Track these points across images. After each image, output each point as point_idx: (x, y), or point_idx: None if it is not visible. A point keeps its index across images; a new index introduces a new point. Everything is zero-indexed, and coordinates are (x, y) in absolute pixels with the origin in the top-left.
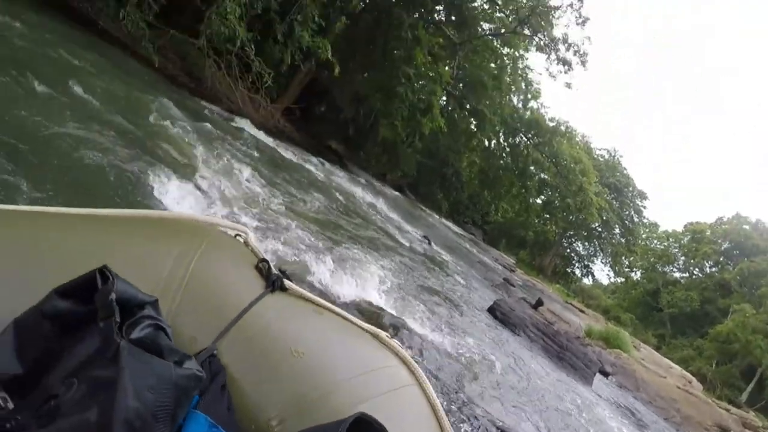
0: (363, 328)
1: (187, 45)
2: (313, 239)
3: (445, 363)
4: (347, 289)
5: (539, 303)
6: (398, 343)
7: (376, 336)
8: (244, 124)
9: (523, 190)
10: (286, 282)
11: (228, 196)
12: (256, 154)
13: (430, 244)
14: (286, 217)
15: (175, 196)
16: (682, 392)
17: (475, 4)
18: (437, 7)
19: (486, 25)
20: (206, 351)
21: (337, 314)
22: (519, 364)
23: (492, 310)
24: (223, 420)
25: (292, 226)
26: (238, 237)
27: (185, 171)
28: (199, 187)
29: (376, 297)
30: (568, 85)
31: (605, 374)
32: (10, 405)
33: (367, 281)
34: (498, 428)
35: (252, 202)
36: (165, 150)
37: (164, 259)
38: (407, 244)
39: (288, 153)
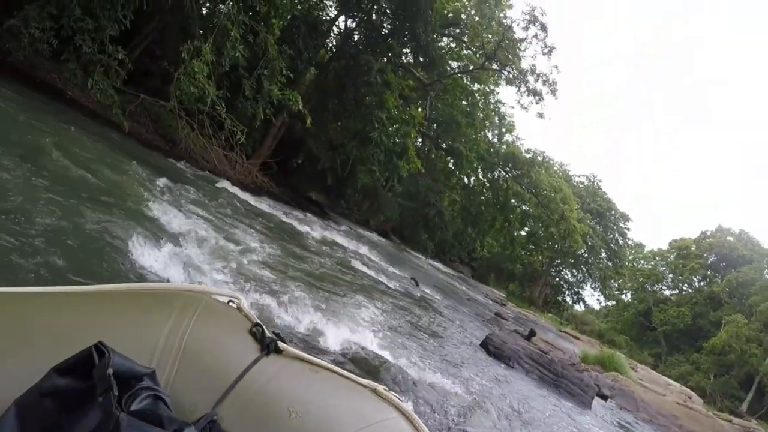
0: (360, 383)
1: (157, 107)
2: (301, 293)
3: (443, 403)
4: (340, 337)
5: (532, 333)
6: (396, 395)
7: (373, 390)
8: (222, 183)
9: (507, 224)
10: (281, 344)
11: (213, 259)
12: (236, 213)
13: (418, 285)
14: (273, 274)
15: (161, 264)
16: (683, 408)
17: (442, 44)
18: (404, 50)
19: (454, 64)
20: (206, 417)
21: (333, 371)
22: (516, 396)
23: (485, 345)
24: None
25: (279, 283)
26: (231, 303)
27: (168, 237)
28: (183, 253)
29: (369, 342)
30: (541, 115)
31: (604, 397)
32: None
33: (359, 328)
34: None
35: (237, 263)
36: (145, 216)
37: (159, 330)
38: (395, 288)
39: (269, 209)
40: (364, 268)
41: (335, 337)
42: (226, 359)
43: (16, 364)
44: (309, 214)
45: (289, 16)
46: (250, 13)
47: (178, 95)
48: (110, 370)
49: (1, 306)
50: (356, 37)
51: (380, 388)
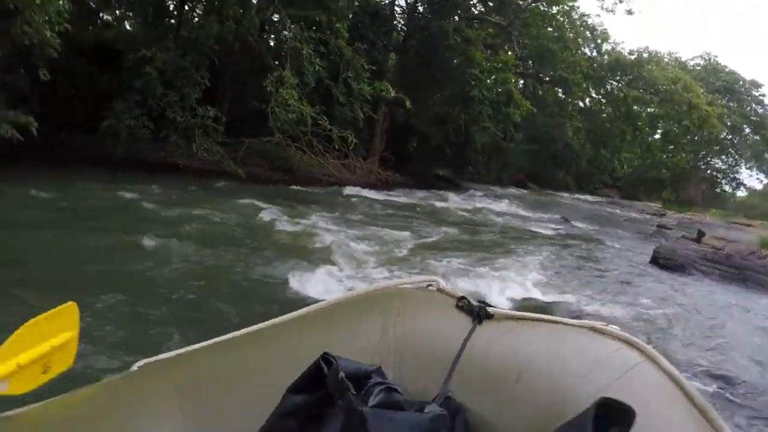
0: (576, 326)
1: (263, 145)
2: (463, 261)
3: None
4: (513, 291)
5: (701, 235)
6: (615, 327)
7: (592, 328)
8: (349, 191)
9: (637, 133)
10: (490, 309)
11: (374, 259)
12: (372, 213)
13: (569, 222)
14: (432, 253)
15: (321, 286)
16: None
17: None
18: (471, 2)
19: None
20: (440, 395)
21: (547, 321)
22: (702, 303)
23: (655, 260)
24: None
25: (440, 259)
26: (429, 287)
27: (319, 257)
28: (339, 267)
29: (542, 289)
30: (629, 12)
31: None
32: None
33: (528, 278)
34: (720, 376)
35: (395, 256)
36: (292, 246)
37: (373, 329)
38: (549, 232)
39: (402, 198)
40: (513, 223)
41: (510, 292)
42: (442, 338)
43: (254, 397)
44: (442, 191)
45: (350, 15)
46: (314, 28)
47: (278, 127)
48: (341, 374)
49: (224, 352)
50: (421, 9)
51: (598, 324)
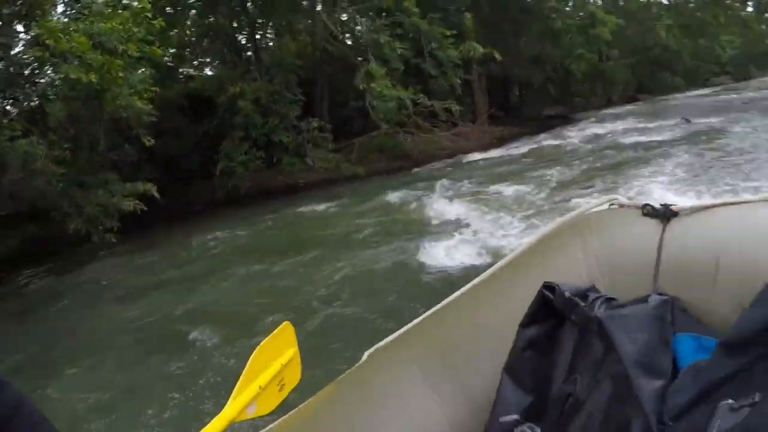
0: (763, 200)
1: (374, 139)
2: (609, 187)
3: None
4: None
5: None
6: None
7: None
8: (469, 158)
9: (730, 12)
10: (674, 207)
11: (521, 211)
12: (502, 169)
13: (690, 122)
14: (572, 190)
15: (466, 254)
16: None
17: None
18: None
19: None
20: (653, 293)
21: (733, 204)
22: None
23: None
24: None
25: (585, 190)
26: (612, 206)
27: (456, 228)
28: (495, 227)
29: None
30: None
31: None
32: (538, 430)
33: (672, 186)
34: None
35: (541, 200)
36: (431, 227)
37: (574, 257)
38: (671, 138)
39: (520, 148)
40: (636, 138)
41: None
42: (639, 245)
43: (488, 345)
44: (557, 128)
45: None
46: (383, 14)
47: (381, 118)
48: (567, 293)
49: (443, 319)
50: None
51: None
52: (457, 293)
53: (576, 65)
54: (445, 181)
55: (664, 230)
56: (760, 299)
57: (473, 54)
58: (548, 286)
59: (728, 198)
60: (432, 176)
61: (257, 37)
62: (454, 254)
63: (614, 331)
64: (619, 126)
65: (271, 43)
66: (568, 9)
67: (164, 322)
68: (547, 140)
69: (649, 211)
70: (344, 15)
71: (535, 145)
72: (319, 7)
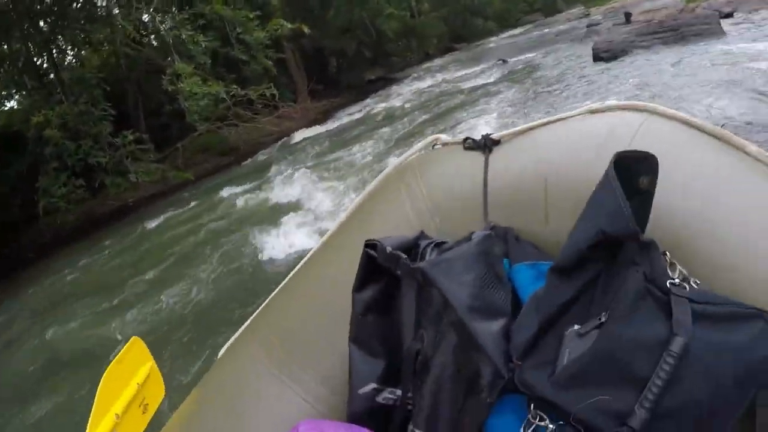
0: (575, 115)
1: (197, 139)
2: (435, 131)
3: None
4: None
5: (628, 16)
6: (612, 100)
7: (590, 111)
8: (296, 137)
9: None
10: (494, 135)
11: (353, 180)
12: (330, 143)
13: (507, 62)
14: (402, 145)
15: (301, 234)
16: None
17: None
18: None
19: None
20: (485, 228)
21: (548, 123)
22: (655, 71)
23: (597, 57)
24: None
25: (415, 143)
26: (435, 146)
27: (305, 206)
28: (326, 205)
29: (512, 123)
30: None
31: (729, 15)
32: (398, 392)
33: (498, 119)
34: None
35: (373, 163)
36: (266, 216)
37: (401, 206)
38: (490, 80)
39: (347, 118)
40: (460, 85)
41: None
42: (465, 181)
43: (334, 317)
44: (380, 91)
45: None
46: (186, 7)
47: (197, 118)
48: (388, 248)
49: (283, 302)
50: None
51: (594, 105)
52: (293, 272)
53: (387, 25)
54: (276, 166)
55: (487, 161)
56: (584, 216)
57: (281, 31)
58: (370, 244)
59: (548, 117)
60: (263, 164)
61: (55, 55)
62: (295, 237)
63: (439, 278)
64: (439, 77)
65: (71, 59)
66: None
67: (10, 377)
68: (371, 104)
69: (470, 145)
70: (145, 15)
71: (359, 112)
72: (116, 11)
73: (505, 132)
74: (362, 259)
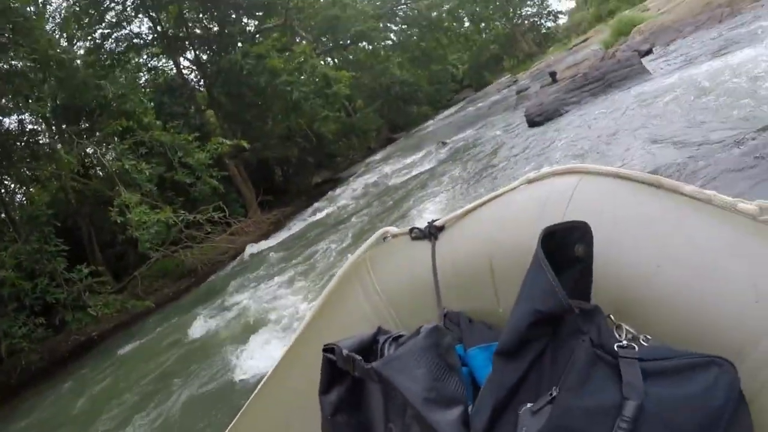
0: (513, 188)
1: (154, 266)
2: (386, 225)
3: None
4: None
5: (553, 75)
6: (546, 167)
7: (527, 181)
8: (250, 251)
9: (449, 33)
10: (438, 222)
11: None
12: (283, 252)
13: (446, 144)
14: (353, 245)
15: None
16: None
17: None
18: (243, 24)
19: None
20: (439, 315)
21: (487, 201)
22: (588, 124)
23: (531, 123)
24: None
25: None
26: (386, 239)
27: (263, 323)
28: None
29: (456, 206)
30: None
31: (648, 52)
32: None
33: (444, 205)
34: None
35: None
36: (244, 329)
37: (357, 304)
38: (432, 164)
39: (299, 224)
40: (404, 175)
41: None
42: (416, 271)
43: (307, 425)
44: (328, 193)
45: (150, 103)
46: (128, 136)
47: (149, 247)
48: (345, 351)
49: (254, 416)
50: (205, 57)
51: (531, 174)
52: (261, 383)
53: (325, 128)
54: (235, 283)
55: (434, 248)
56: (519, 297)
57: (221, 149)
58: (328, 349)
59: (489, 195)
60: (221, 284)
61: (4, 195)
62: (262, 352)
63: (393, 375)
64: (385, 169)
65: (21, 197)
66: (303, 78)
67: None
68: (321, 208)
69: (417, 234)
70: (90, 149)
71: (311, 217)
72: (59, 146)
73: (448, 216)
74: (323, 364)
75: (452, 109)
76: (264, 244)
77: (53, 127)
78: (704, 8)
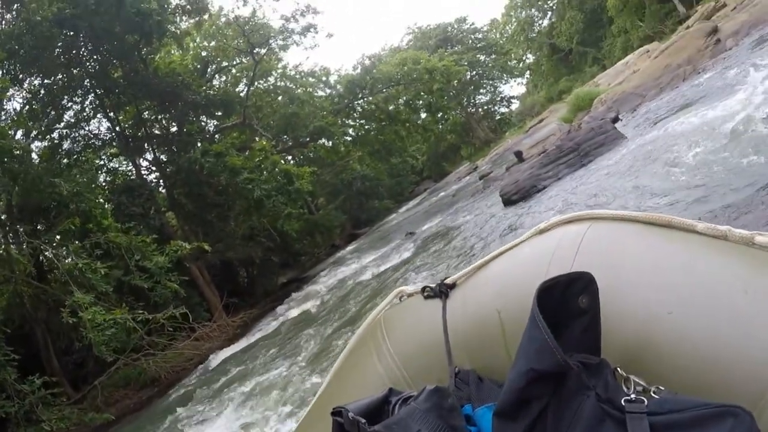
0: (521, 241)
1: (115, 374)
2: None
3: None
4: None
5: (519, 154)
6: (554, 217)
7: (538, 231)
8: (216, 359)
9: (407, 124)
10: (449, 280)
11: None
12: (252, 358)
13: (414, 234)
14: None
15: None
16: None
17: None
18: (202, 122)
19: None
20: (450, 375)
21: (497, 256)
22: (572, 192)
23: (507, 202)
24: None
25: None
26: (402, 298)
27: None
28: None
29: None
30: (330, 35)
31: (615, 120)
32: None
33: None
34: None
35: (300, 376)
36: None
37: (371, 366)
38: (403, 257)
39: (266, 327)
40: (373, 271)
41: None
42: (428, 330)
43: None
44: (294, 294)
45: (108, 206)
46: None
47: (105, 350)
48: (351, 414)
49: None
50: (164, 158)
51: (542, 225)
52: None
53: (289, 226)
54: (201, 393)
55: (444, 306)
56: (517, 355)
57: (181, 252)
58: (336, 412)
59: (500, 248)
60: (187, 394)
61: None
62: None
63: None
64: (352, 266)
65: None
66: (264, 175)
67: None
68: (288, 309)
69: (429, 293)
70: (47, 251)
71: (279, 319)
72: (13, 247)
73: (460, 273)
74: (333, 428)
75: (415, 201)
76: (230, 350)
77: (7, 227)
78: (664, 71)
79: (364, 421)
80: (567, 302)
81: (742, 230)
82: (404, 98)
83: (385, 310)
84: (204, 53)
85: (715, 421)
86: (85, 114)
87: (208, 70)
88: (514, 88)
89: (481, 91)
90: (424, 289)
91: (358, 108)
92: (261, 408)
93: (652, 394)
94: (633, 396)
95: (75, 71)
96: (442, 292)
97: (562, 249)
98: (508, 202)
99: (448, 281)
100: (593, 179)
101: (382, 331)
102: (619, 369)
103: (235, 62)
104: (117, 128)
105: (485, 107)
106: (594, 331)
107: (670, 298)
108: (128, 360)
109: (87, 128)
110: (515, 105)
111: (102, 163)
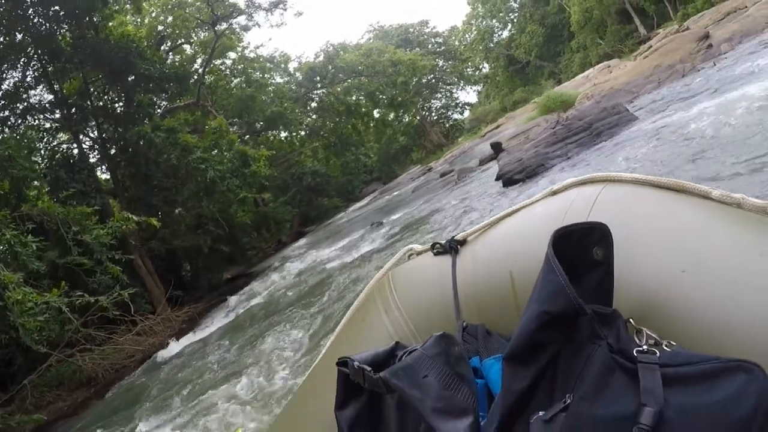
0: (534, 201)
1: (48, 371)
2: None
3: None
4: None
5: (497, 146)
6: (569, 179)
7: (551, 192)
8: (164, 354)
9: (365, 117)
10: (460, 236)
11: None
12: (204, 356)
13: (381, 224)
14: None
15: None
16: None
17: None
18: (154, 101)
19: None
20: (458, 329)
21: (506, 216)
22: (590, 172)
23: (507, 182)
24: None
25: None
26: (411, 256)
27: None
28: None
29: None
30: (299, 13)
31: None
32: None
33: None
34: None
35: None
36: None
37: (378, 321)
38: (374, 245)
39: (214, 323)
40: (334, 265)
41: None
42: (437, 286)
43: None
44: (243, 288)
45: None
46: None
47: (36, 338)
48: (356, 363)
49: None
50: (105, 136)
51: (555, 187)
52: (286, 402)
53: (242, 213)
54: (144, 395)
55: (454, 262)
56: (530, 299)
57: (127, 226)
58: (342, 363)
59: (512, 207)
60: (129, 395)
61: None
62: None
63: (400, 384)
64: (308, 259)
65: None
66: (218, 154)
67: None
68: (236, 304)
69: (438, 249)
70: None
71: (229, 314)
72: None
73: (470, 230)
74: (338, 378)
75: (364, 201)
76: (176, 347)
77: None
78: (654, 70)
79: (369, 369)
80: (581, 252)
81: (756, 200)
82: (366, 90)
83: (393, 266)
84: (161, 27)
85: (728, 375)
86: (27, 83)
87: (162, 47)
88: (469, 95)
89: (437, 95)
90: (433, 245)
91: (316, 98)
92: (210, 409)
93: (665, 348)
94: (645, 347)
95: (19, 35)
96: (452, 248)
97: (576, 209)
98: (510, 182)
99: (458, 237)
100: (609, 157)
101: (390, 287)
102: (631, 320)
103: (192, 39)
104: (59, 96)
105: (440, 111)
106: (607, 285)
107: (684, 257)
108: (62, 356)
109: (27, 99)
110: (467, 113)
111: (42, 135)
